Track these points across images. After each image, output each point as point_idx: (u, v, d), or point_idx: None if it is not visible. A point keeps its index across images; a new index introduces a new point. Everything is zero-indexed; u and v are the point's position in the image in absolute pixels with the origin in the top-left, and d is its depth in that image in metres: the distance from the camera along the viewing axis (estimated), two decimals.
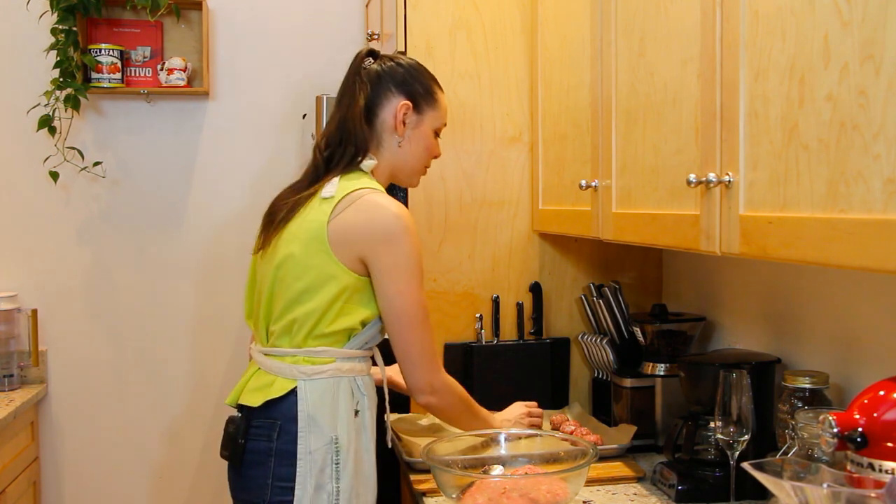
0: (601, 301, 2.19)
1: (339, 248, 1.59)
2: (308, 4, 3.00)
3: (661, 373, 1.97)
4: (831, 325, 1.62)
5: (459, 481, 1.52)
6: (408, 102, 1.71)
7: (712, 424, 1.55)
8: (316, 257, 1.59)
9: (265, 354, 1.66)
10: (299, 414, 1.59)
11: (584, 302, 2.28)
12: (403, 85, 1.73)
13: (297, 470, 1.57)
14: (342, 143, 1.70)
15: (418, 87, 1.74)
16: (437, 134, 1.78)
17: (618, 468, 1.80)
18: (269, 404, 1.61)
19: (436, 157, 1.81)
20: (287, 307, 1.62)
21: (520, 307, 2.28)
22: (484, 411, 1.82)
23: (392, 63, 1.74)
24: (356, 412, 1.63)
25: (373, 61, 1.74)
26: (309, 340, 1.61)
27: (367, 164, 1.70)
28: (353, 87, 1.72)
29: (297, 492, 1.57)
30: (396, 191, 2.27)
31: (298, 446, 1.58)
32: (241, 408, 1.65)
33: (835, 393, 1.57)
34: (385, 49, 2.44)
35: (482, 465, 1.66)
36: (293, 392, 1.60)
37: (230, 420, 1.66)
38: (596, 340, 2.17)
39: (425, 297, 1.65)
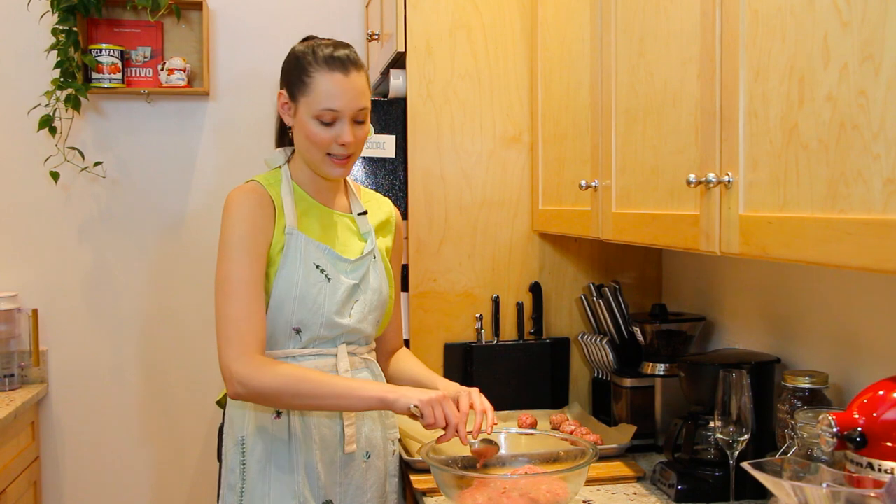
0: (601, 301, 2.19)
1: None
2: (308, 4, 3.01)
3: (661, 373, 1.97)
4: (831, 325, 1.62)
5: (459, 481, 1.52)
6: (282, 91, 1.66)
7: (712, 424, 1.55)
8: None
9: None
10: (225, 416, 1.67)
11: (584, 302, 2.28)
12: (284, 73, 1.66)
13: (222, 469, 1.66)
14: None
15: (293, 74, 1.63)
16: (323, 121, 1.59)
17: (618, 468, 1.80)
18: (222, 406, 1.73)
19: (342, 144, 1.61)
20: None
21: (520, 307, 2.28)
22: (345, 380, 1.58)
23: (292, 50, 1.68)
24: (278, 413, 1.62)
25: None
26: None
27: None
28: None
29: (220, 490, 1.66)
30: (398, 190, 2.28)
31: (223, 446, 1.66)
32: None
33: (834, 393, 1.57)
34: (384, 49, 2.44)
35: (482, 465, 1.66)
36: (226, 396, 1.68)
37: None
38: (596, 340, 2.17)
39: (245, 270, 1.55)
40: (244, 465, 1.62)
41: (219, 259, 1.58)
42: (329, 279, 1.64)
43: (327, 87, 1.58)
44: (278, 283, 1.60)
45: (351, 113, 1.60)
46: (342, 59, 1.60)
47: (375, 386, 1.57)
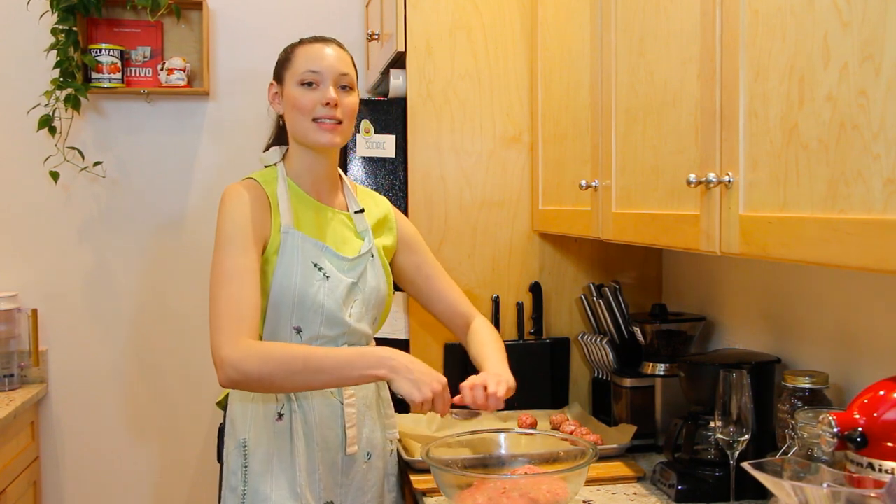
0: (601, 301, 2.19)
1: None
2: (308, 4, 3.00)
3: (661, 373, 1.97)
4: (831, 325, 1.62)
5: (459, 481, 1.52)
6: (272, 83, 1.73)
7: (712, 424, 1.55)
8: None
9: None
10: (226, 419, 1.66)
11: (584, 302, 2.28)
12: (274, 69, 1.74)
13: (223, 472, 1.65)
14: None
15: (279, 62, 1.72)
16: (305, 82, 1.65)
17: (618, 468, 1.80)
18: (222, 407, 1.72)
19: (325, 104, 1.63)
20: None
21: (520, 307, 2.28)
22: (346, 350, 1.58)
23: None
24: (280, 415, 1.62)
25: None
26: None
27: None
28: None
29: (221, 492, 1.65)
30: (398, 190, 2.28)
31: (224, 448, 1.65)
32: None
33: (835, 393, 1.57)
34: (384, 49, 2.44)
35: (482, 465, 1.66)
36: (227, 397, 1.69)
37: None
38: (596, 340, 2.17)
39: (238, 259, 1.54)
40: (246, 467, 1.61)
41: (213, 251, 1.58)
42: (328, 277, 1.64)
43: (307, 54, 1.67)
44: (276, 282, 1.60)
45: (333, 77, 1.65)
46: (321, 37, 1.71)
47: (369, 361, 1.50)
